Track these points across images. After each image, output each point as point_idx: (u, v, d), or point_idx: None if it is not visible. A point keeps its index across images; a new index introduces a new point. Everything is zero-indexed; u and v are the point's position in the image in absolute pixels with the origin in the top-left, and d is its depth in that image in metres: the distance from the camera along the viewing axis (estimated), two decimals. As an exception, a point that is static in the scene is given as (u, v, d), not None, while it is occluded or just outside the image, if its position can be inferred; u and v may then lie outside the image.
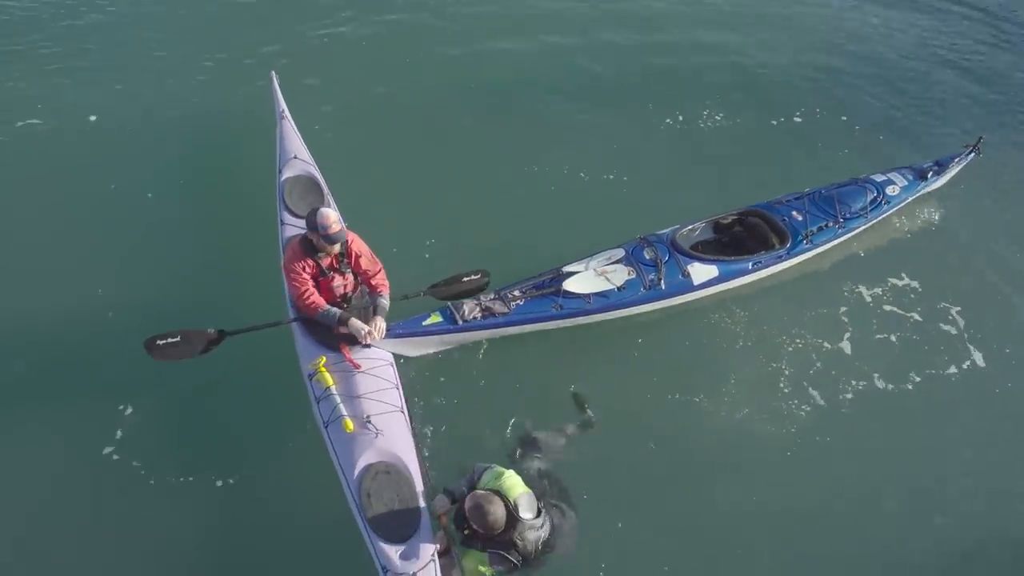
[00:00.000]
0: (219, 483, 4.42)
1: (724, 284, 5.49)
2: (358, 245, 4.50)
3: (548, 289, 5.11)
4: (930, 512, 4.61)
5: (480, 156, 6.79)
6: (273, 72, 6.21)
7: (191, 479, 4.44)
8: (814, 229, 5.72)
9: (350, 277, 4.56)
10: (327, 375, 4.36)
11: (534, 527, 3.64)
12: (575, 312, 5.08)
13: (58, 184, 6.26)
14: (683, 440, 4.80)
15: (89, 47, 7.84)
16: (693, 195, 6.42)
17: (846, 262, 6.06)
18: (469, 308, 4.92)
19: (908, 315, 5.71)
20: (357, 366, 4.43)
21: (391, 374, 4.55)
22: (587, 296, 5.10)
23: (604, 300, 5.13)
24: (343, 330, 4.38)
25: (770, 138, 7.38)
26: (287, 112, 5.93)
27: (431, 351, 5.01)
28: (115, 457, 4.52)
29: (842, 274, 5.97)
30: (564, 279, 5.15)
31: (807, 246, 5.68)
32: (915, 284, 5.93)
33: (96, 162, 6.48)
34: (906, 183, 6.15)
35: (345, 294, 4.61)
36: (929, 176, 6.22)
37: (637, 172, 6.74)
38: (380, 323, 4.43)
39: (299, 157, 5.59)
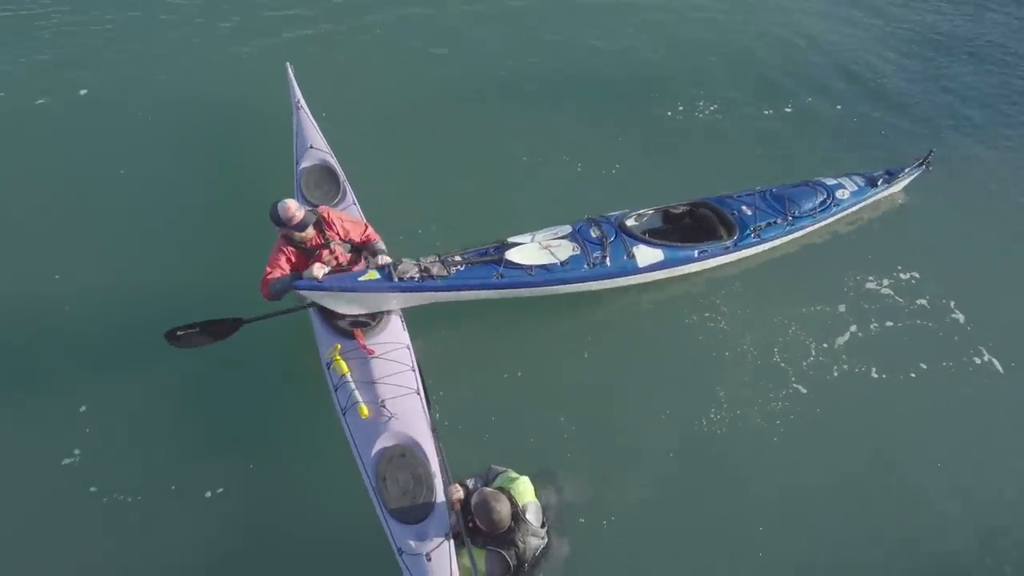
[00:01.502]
0: (238, 469, 4.52)
1: (669, 270, 5.48)
2: (331, 215, 4.70)
3: (490, 257, 5.03)
4: (922, 506, 4.62)
5: (487, 145, 6.92)
6: (288, 63, 6.26)
7: (208, 467, 4.53)
8: (762, 224, 5.75)
9: (339, 249, 4.73)
10: (342, 363, 4.47)
11: (536, 534, 3.70)
12: (516, 283, 5.00)
13: (61, 168, 6.33)
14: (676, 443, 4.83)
15: (102, 27, 7.94)
16: (670, 184, 6.50)
17: (833, 251, 6.16)
18: (407, 268, 4.81)
19: (903, 307, 5.77)
20: (371, 352, 4.53)
21: (407, 357, 4.63)
22: (529, 268, 5.03)
23: (547, 273, 5.07)
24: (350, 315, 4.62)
25: (740, 134, 7.44)
26: (303, 102, 6.01)
27: (366, 310, 4.89)
28: (120, 442, 4.62)
29: (827, 263, 6.05)
30: (508, 249, 5.08)
31: (754, 240, 5.70)
32: (916, 275, 5.99)
33: (103, 147, 6.56)
34: (856, 188, 6.22)
35: (339, 264, 4.77)
36: (879, 184, 6.31)
37: (623, 163, 6.87)
38: (384, 259, 4.74)
39: (315, 147, 5.69)
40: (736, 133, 7.41)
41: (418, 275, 4.81)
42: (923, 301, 5.79)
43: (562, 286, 5.17)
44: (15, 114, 6.83)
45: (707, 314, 5.56)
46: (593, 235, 5.32)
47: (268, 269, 4.55)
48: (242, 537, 4.27)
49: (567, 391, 5.02)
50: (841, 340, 5.47)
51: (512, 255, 5.04)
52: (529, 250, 5.12)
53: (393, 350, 4.60)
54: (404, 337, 4.77)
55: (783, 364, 5.27)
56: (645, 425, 4.86)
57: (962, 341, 5.55)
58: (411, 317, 4.99)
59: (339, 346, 4.55)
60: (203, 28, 8.02)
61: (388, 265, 4.78)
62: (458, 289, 4.90)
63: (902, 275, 5.98)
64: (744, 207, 5.85)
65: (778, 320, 5.56)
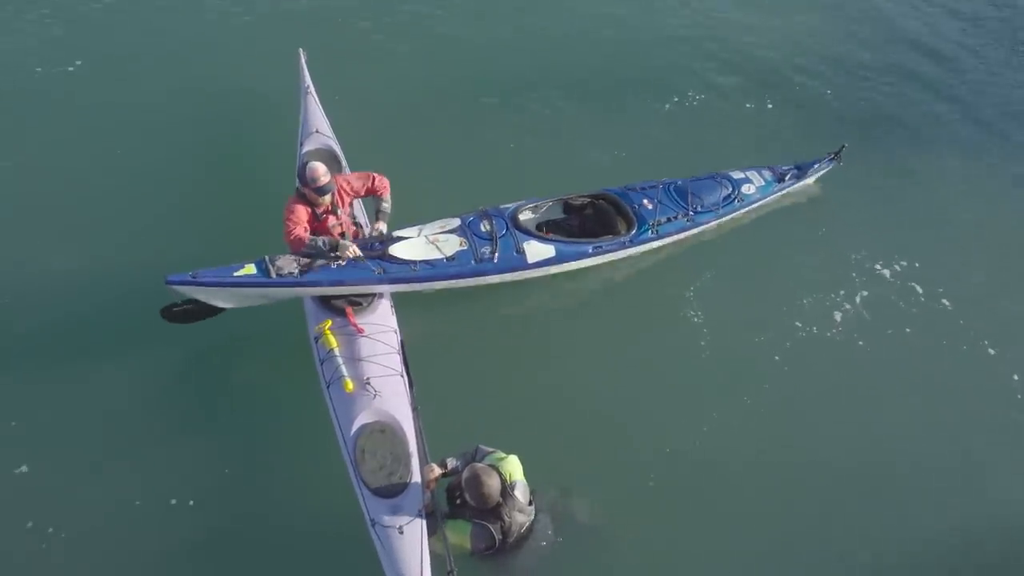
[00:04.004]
0: (221, 430, 4.73)
1: (561, 265, 5.48)
2: (341, 180, 4.92)
3: (375, 252, 5.01)
4: (917, 501, 4.72)
5: (486, 135, 7.01)
6: (301, 49, 6.33)
7: (186, 438, 4.70)
8: (662, 219, 5.74)
9: (344, 217, 4.96)
10: (331, 337, 4.61)
11: (523, 511, 3.80)
12: (400, 278, 4.98)
13: (61, 147, 6.37)
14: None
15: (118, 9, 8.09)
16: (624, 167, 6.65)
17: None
18: (285, 263, 4.78)
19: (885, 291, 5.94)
20: (361, 330, 4.68)
21: (394, 340, 4.77)
22: (413, 263, 5.02)
23: (431, 268, 5.05)
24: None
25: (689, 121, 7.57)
26: (312, 88, 6.09)
27: (246, 304, 4.90)
28: (126, 405, 4.83)
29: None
30: (393, 243, 5.06)
31: (652, 236, 5.69)
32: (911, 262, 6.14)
33: (105, 125, 6.60)
34: (763, 183, 6.20)
35: (342, 233, 4.98)
36: (787, 179, 6.28)
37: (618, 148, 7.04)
38: (381, 226, 4.93)
39: (320, 131, 5.79)
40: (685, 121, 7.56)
41: (298, 270, 4.80)
42: (911, 284, 5.96)
43: (449, 281, 5.18)
44: (9, 88, 6.87)
45: (689, 312, 5.68)
46: (483, 229, 5.29)
47: (290, 225, 4.69)
48: (216, 503, 4.40)
49: (551, 381, 5.14)
50: (829, 325, 5.64)
51: (397, 250, 5.01)
52: (416, 245, 5.09)
53: (381, 331, 4.73)
54: (392, 320, 4.93)
55: (771, 354, 5.41)
56: (629, 413, 4.97)
57: (959, 327, 5.68)
58: (399, 301, 5.15)
59: (330, 321, 4.69)
60: (212, 9, 8.14)
61: (266, 260, 4.76)
62: (338, 284, 4.89)
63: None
64: (646, 200, 5.82)
65: (768, 306, 5.74)
